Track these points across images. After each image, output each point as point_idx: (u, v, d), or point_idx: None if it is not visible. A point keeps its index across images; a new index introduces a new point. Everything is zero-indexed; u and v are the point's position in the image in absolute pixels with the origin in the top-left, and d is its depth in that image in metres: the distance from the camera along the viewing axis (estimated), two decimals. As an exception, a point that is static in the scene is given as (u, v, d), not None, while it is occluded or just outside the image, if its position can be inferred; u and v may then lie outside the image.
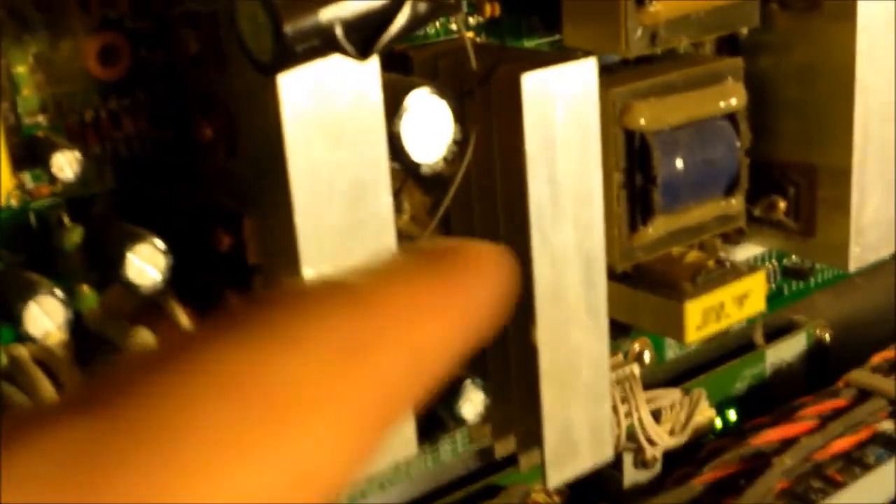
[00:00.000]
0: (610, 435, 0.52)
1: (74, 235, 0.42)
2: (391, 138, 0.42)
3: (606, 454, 0.52)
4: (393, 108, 0.42)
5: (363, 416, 0.18)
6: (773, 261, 0.69)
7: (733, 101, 0.54)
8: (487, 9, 0.52)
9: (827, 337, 0.73)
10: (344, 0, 0.36)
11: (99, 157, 0.44)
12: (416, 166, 0.43)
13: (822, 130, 0.58)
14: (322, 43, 0.36)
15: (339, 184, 0.41)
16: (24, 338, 0.41)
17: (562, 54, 0.47)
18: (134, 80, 0.44)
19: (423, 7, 0.37)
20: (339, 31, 0.36)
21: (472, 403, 0.49)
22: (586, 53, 0.49)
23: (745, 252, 0.66)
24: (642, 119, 0.51)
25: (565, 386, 0.50)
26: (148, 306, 0.45)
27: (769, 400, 0.70)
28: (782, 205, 0.59)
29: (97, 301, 0.44)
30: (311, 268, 0.41)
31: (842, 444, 0.63)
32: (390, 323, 0.19)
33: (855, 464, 0.63)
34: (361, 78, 0.41)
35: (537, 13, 0.54)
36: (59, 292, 0.41)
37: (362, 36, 0.37)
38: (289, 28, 0.35)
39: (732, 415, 0.70)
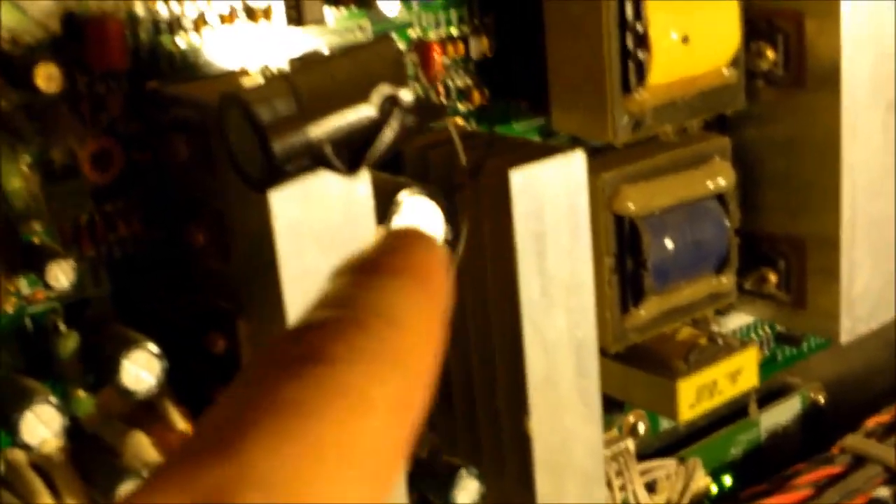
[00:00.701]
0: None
1: (70, 342, 0.43)
2: (382, 241, 0.42)
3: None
4: (383, 209, 0.42)
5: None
6: (766, 328, 0.69)
7: (721, 182, 0.55)
8: (476, 96, 0.53)
9: (821, 399, 0.73)
10: (330, 116, 0.37)
11: (93, 259, 0.45)
12: (408, 266, 0.43)
13: (810, 202, 0.58)
14: (311, 160, 0.37)
15: (331, 287, 0.42)
16: (19, 444, 0.41)
17: (550, 146, 0.48)
18: (126, 182, 0.45)
19: (409, 119, 0.38)
20: (327, 149, 0.37)
21: (468, 492, 0.49)
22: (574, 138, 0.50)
23: (737, 321, 0.66)
24: (631, 204, 0.52)
25: (559, 472, 0.50)
26: (143, 406, 0.45)
27: (765, 464, 0.70)
28: (773, 278, 0.60)
29: (92, 405, 0.44)
30: (305, 371, 0.41)
31: (838, 511, 0.63)
32: (422, 373, 0.23)
33: (853, 532, 0.63)
34: (351, 185, 0.41)
35: (525, 98, 0.54)
36: (54, 399, 0.41)
37: (351, 151, 0.37)
38: (277, 147, 0.36)
39: (728, 480, 0.70)
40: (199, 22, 0.45)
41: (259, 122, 0.36)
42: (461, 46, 0.52)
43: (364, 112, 0.37)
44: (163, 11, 0.44)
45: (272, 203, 0.40)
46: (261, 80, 0.45)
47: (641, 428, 0.64)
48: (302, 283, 0.41)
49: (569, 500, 0.50)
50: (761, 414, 0.71)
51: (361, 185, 0.42)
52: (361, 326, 0.23)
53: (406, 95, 0.38)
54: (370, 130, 0.37)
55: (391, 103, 0.37)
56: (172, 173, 0.44)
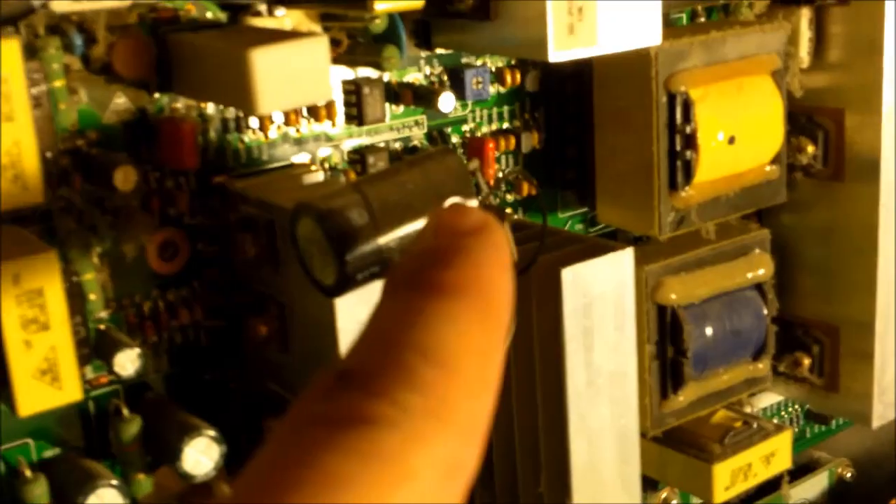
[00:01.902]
0: None
1: (133, 426, 0.44)
2: (438, 337, 0.44)
3: None
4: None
5: None
6: (796, 405, 0.70)
7: (761, 272, 0.56)
8: (525, 188, 0.54)
9: (849, 475, 0.75)
10: (401, 227, 0.38)
11: (155, 345, 0.46)
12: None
13: (845, 290, 0.60)
14: (381, 269, 0.38)
15: (389, 382, 0.43)
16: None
17: (600, 243, 0.49)
18: (190, 272, 0.46)
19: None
20: (395, 256, 0.38)
21: (509, 572, 0.51)
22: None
23: (768, 399, 0.67)
24: (673, 294, 0.54)
25: (599, 556, 0.51)
26: (197, 486, 0.47)
27: (793, 539, 0.71)
28: (806, 362, 0.61)
29: (151, 486, 0.45)
30: (361, 462, 0.43)
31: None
32: (475, 426, 0.21)
33: None
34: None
35: (571, 188, 0.56)
36: (116, 482, 0.43)
37: (417, 259, 0.39)
38: (350, 257, 0.37)
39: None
40: (265, 121, 0.47)
41: (334, 232, 0.37)
42: (512, 140, 0.53)
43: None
44: (230, 111, 0.46)
45: (336, 302, 0.41)
46: (326, 176, 0.47)
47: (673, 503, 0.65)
48: (362, 379, 0.42)
49: (607, 583, 0.52)
50: (791, 488, 0.72)
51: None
52: (404, 373, 0.21)
53: (472, 204, 0.40)
54: (434, 238, 0.39)
55: (456, 214, 0.39)
56: (238, 267, 0.46)
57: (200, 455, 0.44)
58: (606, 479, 0.51)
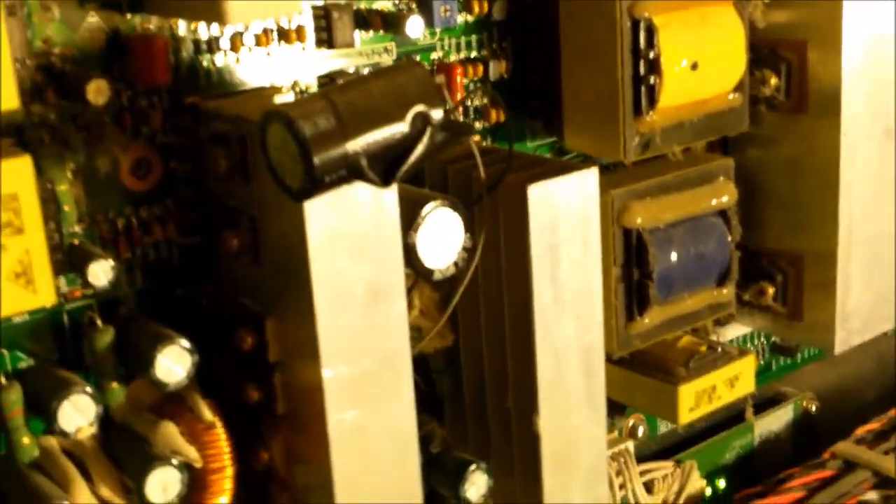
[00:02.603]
0: (609, 513, 0.55)
1: (106, 336, 0.45)
2: (407, 248, 0.45)
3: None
4: (408, 219, 0.45)
5: None
6: (762, 338, 0.72)
7: (725, 199, 0.58)
8: (493, 115, 0.56)
9: (813, 408, 0.76)
10: (367, 132, 0.39)
11: (129, 261, 0.47)
12: (430, 272, 0.46)
13: (809, 220, 0.61)
14: (348, 172, 0.39)
15: (358, 291, 0.44)
16: (55, 431, 0.44)
17: (565, 164, 0.51)
18: (163, 190, 0.47)
19: (440, 136, 0.41)
20: (363, 162, 0.39)
21: (477, 486, 0.52)
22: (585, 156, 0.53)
23: (734, 331, 0.69)
24: (639, 218, 0.55)
25: (566, 470, 0.53)
26: (170, 398, 0.48)
27: (757, 469, 0.73)
28: (771, 291, 0.63)
29: (124, 396, 0.46)
30: (331, 368, 0.44)
31: (828, 515, 0.66)
32: None
33: (842, 535, 0.66)
34: (380, 195, 0.44)
35: (539, 118, 0.57)
36: (90, 390, 0.44)
37: (384, 165, 0.40)
38: (318, 160, 0.38)
39: (722, 483, 0.72)
40: (236, 42, 0.48)
41: (302, 136, 0.38)
42: (480, 68, 0.54)
43: (398, 129, 0.40)
44: (202, 32, 0.47)
45: (306, 211, 0.42)
46: (297, 97, 0.48)
47: (641, 431, 0.66)
48: (331, 286, 0.44)
49: (573, 497, 0.53)
50: (755, 420, 0.73)
51: (389, 196, 0.44)
52: None
53: (437, 114, 0.41)
54: (403, 146, 0.40)
55: (424, 121, 0.40)
56: (209, 183, 0.47)
57: (173, 364, 0.45)
58: (572, 395, 0.52)
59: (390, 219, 0.45)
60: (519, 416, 0.52)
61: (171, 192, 0.48)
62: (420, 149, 0.40)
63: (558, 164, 0.51)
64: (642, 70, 0.52)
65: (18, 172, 0.39)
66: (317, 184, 0.39)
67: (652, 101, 0.53)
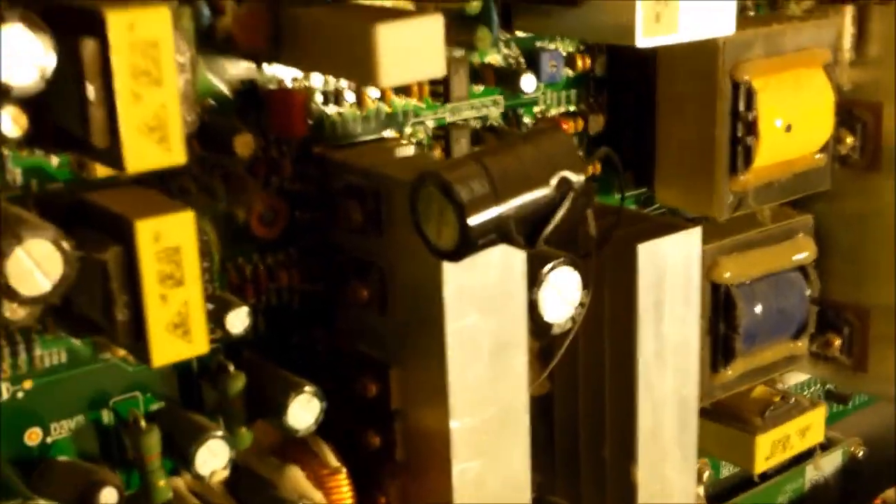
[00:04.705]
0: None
1: (239, 382, 0.46)
2: (530, 304, 0.47)
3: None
4: (533, 277, 0.47)
5: None
6: (818, 385, 0.74)
7: (805, 255, 0.60)
8: (589, 168, 0.57)
9: (860, 454, 0.78)
10: (517, 197, 0.41)
11: (253, 306, 0.48)
12: (549, 327, 0.48)
13: (876, 274, 0.63)
14: (497, 235, 0.41)
15: (484, 344, 0.46)
16: (192, 474, 0.45)
17: (669, 222, 0.52)
18: (287, 238, 0.49)
19: (581, 201, 0.42)
20: (512, 226, 0.41)
21: (572, 532, 0.54)
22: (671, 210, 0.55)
23: (794, 378, 0.71)
24: (728, 273, 0.57)
25: (657, 518, 0.54)
26: (291, 442, 0.49)
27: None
28: (837, 343, 0.65)
29: (251, 440, 0.47)
30: (457, 418, 0.46)
31: (882, 561, 0.68)
32: None
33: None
34: (510, 255, 0.45)
35: (629, 170, 0.59)
36: (223, 433, 0.45)
37: (530, 228, 0.41)
38: (473, 223, 0.40)
39: (775, 527, 0.74)
40: (363, 95, 0.49)
41: (459, 200, 0.40)
42: (581, 122, 0.56)
43: (544, 193, 0.41)
44: (316, 83, 0.49)
45: (443, 267, 0.44)
46: (424, 159, 0.50)
47: (706, 475, 0.68)
48: (462, 339, 0.45)
49: (663, 544, 0.55)
50: (806, 465, 0.75)
51: (517, 254, 0.46)
52: None
53: (579, 179, 0.42)
54: (547, 210, 0.42)
55: (567, 186, 0.42)
56: (337, 234, 0.48)
57: (303, 410, 0.46)
58: (667, 446, 0.54)
59: (517, 276, 0.46)
60: (615, 465, 0.54)
61: (295, 240, 0.49)
62: (562, 213, 0.42)
63: (663, 222, 0.53)
64: (740, 131, 0.54)
65: (182, 226, 0.40)
66: (469, 246, 0.40)
67: (747, 161, 0.54)
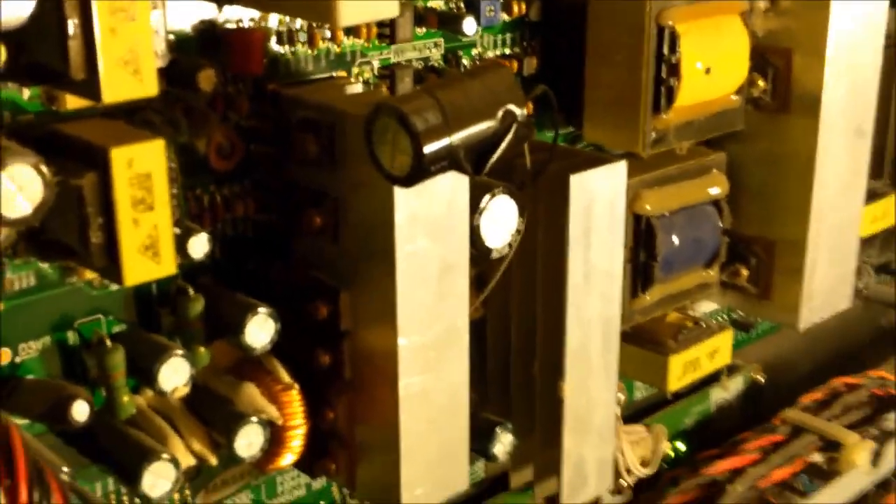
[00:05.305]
0: (611, 469, 0.61)
1: (198, 304, 0.49)
2: (472, 230, 0.50)
3: (608, 485, 0.62)
4: (474, 205, 0.50)
5: None
6: (723, 314, 0.79)
7: (718, 190, 0.64)
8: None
9: (761, 378, 0.84)
10: (467, 128, 0.44)
11: (211, 233, 0.51)
12: (489, 251, 0.51)
13: (783, 210, 0.68)
14: (448, 163, 0.44)
15: (431, 267, 0.49)
16: (155, 391, 0.48)
17: (597, 156, 0.56)
18: (243, 170, 0.51)
19: (523, 132, 0.46)
20: (461, 154, 0.44)
21: (503, 444, 0.57)
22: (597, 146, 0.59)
23: (704, 308, 0.76)
24: (648, 205, 0.61)
25: (582, 431, 0.59)
26: (245, 361, 0.52)
27: (713, 433, 0.80)
28: (745, 273, 0.69)
29: (209, 359, 0.50)
30: (405, 337, 0.49)
31: (781, 473, 0.74)
32: None
33: (792, 491, 0.74)
34: (455, 182, 0.49)
35: (561, 110, 0.62)
36: (183, 352, 0.48)
37: (476, 157, 0.45)
38: (428, 151, 0.43)
39: (681, 446, 0.79)
40: (315, 35, 0.52)
41: (415, 129, 0.43)
42: (515, 64, 0.60)
43: (490, 125, 0.45)
44: (272, 24, 0.51)
45: (395, 196, 0.47)
46: (373, 95, 0.53)
47: (621, 397, 0.73)
48: (411, 263, 0.48)
49: (586, 455, 0.59)
50: (710, 389, 0.81)
51: (462, 183, 0.49)
52: None
53: (521, 112, 0.46)
54: (492, 140, 0.45)
55: (511, 118, 0.45)
56: (290, 166, 0.51)
57: (260, 330, 0.49)
58: (593, 363, 0.58)
59: (461, 204, 0.49)
60: (544, 382, 0.58)
61: (250, 173, 0.52)
62: (506, 143, 0.45)
63: (591, 156, 0.57)
64: (664, 73, 0.58)
65: (153, 154, 0.42)
66: (423, 173, 0.44)
67: (669, 101, 0.58)
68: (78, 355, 0.49)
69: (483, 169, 0.45)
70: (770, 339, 0.84)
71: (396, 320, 0.49)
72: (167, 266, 0.44)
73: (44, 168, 0.40)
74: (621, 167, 0.56)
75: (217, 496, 0.56)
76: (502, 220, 0.51)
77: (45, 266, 0.47)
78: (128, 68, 0.40)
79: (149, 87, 0.41)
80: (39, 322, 0.48)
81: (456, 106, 0.44)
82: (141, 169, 0.42)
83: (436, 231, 0.49)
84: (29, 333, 0.47)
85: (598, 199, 0.55)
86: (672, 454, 0.78)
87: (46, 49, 0.40)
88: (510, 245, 0.52)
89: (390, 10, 0.46)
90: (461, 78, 0.46)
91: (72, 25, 0.39)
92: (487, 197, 0.50)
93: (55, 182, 0.40)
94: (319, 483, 0.61)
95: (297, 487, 0.60)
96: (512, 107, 0.45)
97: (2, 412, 0.43)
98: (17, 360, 0.47)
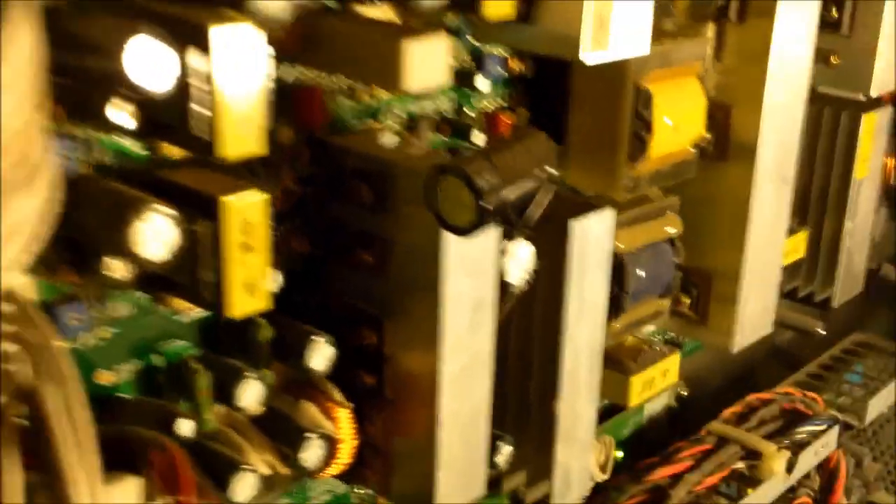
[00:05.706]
0: (588, 476, 0.70)
1: (267, 331, 0.55)
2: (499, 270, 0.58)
3: (586, 489, 0.70)
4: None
5: None
6: (658, 335, 0.89)
7: (674, 230, 0.74)
8: (516, 155, 0.69)
9: (684, 393, 0.94)
10: (515, 187, 0.52)
11: (266, 269, 0.57)
12: (511, 287, 0.59)
13: (720, 246, 0.77)
14: (500, 217, 0.52)
15: (467, 303, 0.57)
16: (234, 408, 0.54)
17: (587, 203, 0.65)
18: (297, 211, 0.58)
19: (553, 189, 0.54)
20: (511, 209, 0.52)
21: (503, 455, 0.65)
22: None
23: (646, 329, 0.85)
24: (621, 244, 0.69)
25: (570, 442, 0.67)
26: (301, 382, 0.58)
27: (645, 443, 0.90)
28: (686, 301, 0.79)
29: (274, 380, 0.56)
30: (445, 363, 0.56)
31: (712, 479, 0.84)
32: None
33: (721, 496, 0.84)
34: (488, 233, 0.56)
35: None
36: (256, 374, 0.54)
37: (518, 212, 0.53)
38: (489, 208, 0.51)
39: (619, 454, 0.89)
40: (358, 91, 0.59)
41: (479, 188, 0.50)
42: (514, 116, 0.68)
43: (534, 184, 0.53)
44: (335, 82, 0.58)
45: (444, 241, 0.54)
46: (410, 145, 0.60)
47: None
48: (453, 299, 0.56)
49: (572, 464, 0.67)
50: (646, 402, 0.90)
51: (493, 234, 0.57)
52: None
53: (554, 172, 0.54)
54: (531, 197, 0.53)
55: (552, 179, 0.53)
56: (341, 207, 0.57)
57: (319, 355, 0.55)
58: (581, 384, 0.66)
59: (492, 247, 0.57)
60: (538, 401, 0.66)
61: (301, 212, 0.58)
62: (542, 198, 0.53)
63: (582, 202, 0.65)
64: (638, 127, 0.67)
65: (259, 205, 0.49)
66: (482, 224, 0.51)
67: (643, 152, 0.67)
68: (170, 375, 0.54)
69: (531, 222, 0.53)
70: (693, 357, 0.94)
71: (438, 349, 0.56)
72: (263, 301, 0.50)
73: (178, 217, 0.46)
74: (610, 213, 0.64)
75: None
76: (521, 262, 0.59)
77: (139, 296, 0.53)
78: (246, 128, 0.46)
79: (261, 146, 0.47)
80: (133, 346, 0.53)
81: (507, 167, 0.52)
82: (248, 218, 0.48)
83: (472, 271, 0.56)
84: (124, 356, 0.53)
85: (591, 240, 0.63)
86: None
87: (175, 112, 0.46)
88: (527, 282, 0.60)
89: (442, 80, 0.53)
90: (509, 143, 0.53)
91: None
92: (511, 242, 0.58)
93: (186, 229, 0.46)
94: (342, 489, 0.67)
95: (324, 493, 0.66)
96: (549, 167, 0.53)
97: (156, 433, 0.48)
98: (117, 381, 0.53)
